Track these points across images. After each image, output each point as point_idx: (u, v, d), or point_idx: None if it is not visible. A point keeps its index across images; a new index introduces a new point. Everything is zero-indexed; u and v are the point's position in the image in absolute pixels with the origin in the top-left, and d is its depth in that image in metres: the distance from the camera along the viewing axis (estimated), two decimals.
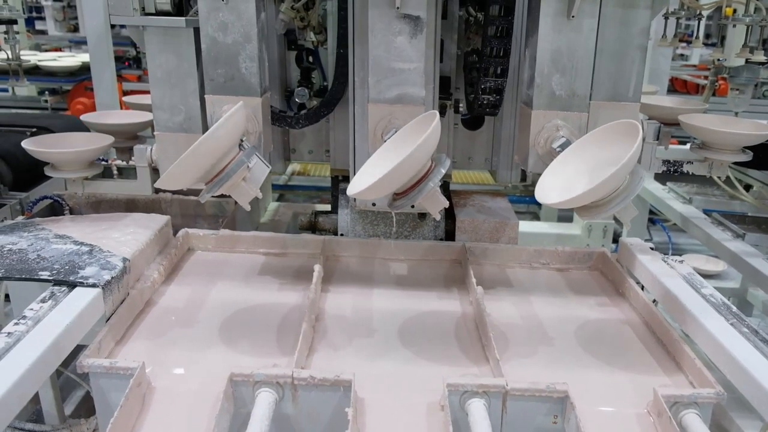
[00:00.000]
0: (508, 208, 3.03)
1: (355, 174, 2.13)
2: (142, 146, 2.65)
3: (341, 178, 3.12)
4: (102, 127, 2.86)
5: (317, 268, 2.34)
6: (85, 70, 6.82)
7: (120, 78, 4.31)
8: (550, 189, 2.01)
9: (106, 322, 1.94)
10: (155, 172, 2.67)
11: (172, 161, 2.33)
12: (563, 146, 2.19)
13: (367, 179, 1.90)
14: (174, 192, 2.94)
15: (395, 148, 2.07)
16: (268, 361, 1.90)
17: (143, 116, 3.19)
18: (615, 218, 4.16)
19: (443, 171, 1.96)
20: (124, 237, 2.34)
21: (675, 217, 3.58)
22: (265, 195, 3.70)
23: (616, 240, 3.54)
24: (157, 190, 2.80)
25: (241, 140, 2.10)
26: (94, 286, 1.95)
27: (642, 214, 4.15)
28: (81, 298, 1.90)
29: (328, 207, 3.31)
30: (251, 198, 2.03)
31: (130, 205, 2.87)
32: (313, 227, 3.07)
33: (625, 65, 2.24)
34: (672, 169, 2.57)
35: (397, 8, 2.16)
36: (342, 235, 2.94)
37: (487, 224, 2.87)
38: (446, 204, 2.02)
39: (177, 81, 2.34)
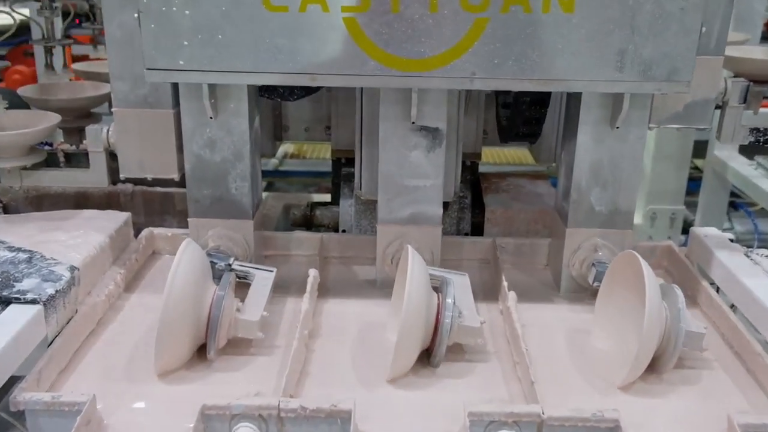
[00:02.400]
0: (551, 194, 3.03)
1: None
2: (97, 126, 2.66)
3: (344, 161, 3.14)
4: (45, 103, 2.89)
5: (312, 273, 2.35)
6: (23, 30, 6.79)
7: (69, 39, 4.32)
8: (609, 357, 2.07)
9: (48, 346, 1.94)
10: (113, 158, 2.69)
11: (135, 145, 2.38)
12: (599, 278, 2.27)
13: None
14: (135, 182, 2.96)
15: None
16: (249, 388, 1.90)
17: (98, 88, 3.22)
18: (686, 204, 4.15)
19: (451, 302, 2.03)
20: (73, 240, 2.35)
21: (763, 199, 3.54)
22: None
23: (686, 230, 3.51)
24: (114, 181, 2.82)
25: (229, 265, 2.23)
26: (33, 302, 1.95)
27: (721, 197, 4.12)
28: (16, 317, 1.90)
29: (327, 197, 3.33)
30: (258, 327, 2.08)
31: (81, 201, 2.89)
32: (308, 222, 3.11)
33: (706, 9, 2.21)
34: (762, 140, 2.54)
35: (413, 122, 2.26)
36: (344, 231, 2.96)
37: (524, 215, 2.87)
38: (480, 334, 2.08)
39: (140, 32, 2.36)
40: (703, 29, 2.05)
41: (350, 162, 3.01)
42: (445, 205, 2.83)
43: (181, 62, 2.07)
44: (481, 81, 2.06)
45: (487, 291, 2.48)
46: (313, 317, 2.26)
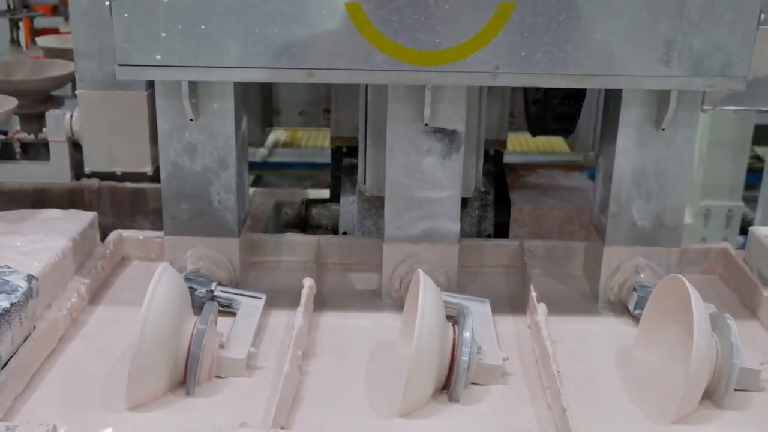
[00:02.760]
0: (589, 189, 3.03)
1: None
2: (58, 112, 2.66)
3: (346, 150, 3.15)
4: (4, 85, 2.86)
5: (308, 282, 2.34)
6: None
7: (28, 10, 4.29)
8: (653, 384, 2.05)
9: (2, 368, 1.94)
10: (77, 149, 2.67)
11: (103, 134, 2.39)
12: (640, 304, 2.26)
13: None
14: (103, 177, 2.96)
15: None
16: (234, 417, 1.89)
17: (60, 67, 3.20)
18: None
19: (469, 336, 2.01)
20: (31, 245, 2.34)
21: None
22: None
23: (744, 230, 3.47)
24: (78, 176, 2.79)
25: (210, 291, 2.25)
26: None
27: None
28: None
29: (325, 193, 3.34)
30: (244, 366, 2.08)
31: (41, 198, 2.91)
32: (303, 223, 3.14)
33: None
34: None
35: (426, 124, 2.26)
36: (345, 233, 2.96)
37: (557, 213, 2.91)
38: (502, 374, 2.08)
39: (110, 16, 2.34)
40: (762, 16, 2.03)
41: (353, 151, 3.01)
42: (464, 202, 2.78)
43: (159, 57, 2.08)
44: (505, 76, 2.06)
45: (513, 302, 2.48)
46: (309, 334, 2.25)
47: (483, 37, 2.02)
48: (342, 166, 3.08)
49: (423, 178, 2.34)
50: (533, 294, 2.32)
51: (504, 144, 3.10)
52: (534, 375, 2.11)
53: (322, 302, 2.43)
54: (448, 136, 2.30)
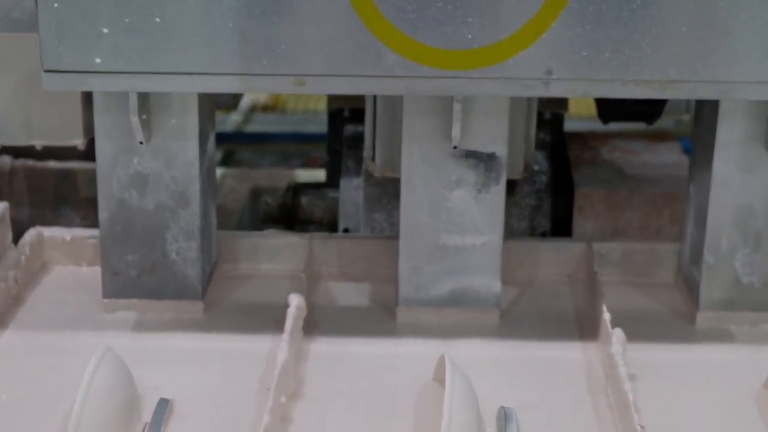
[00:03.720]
0: (682, 165, 3.03)
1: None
2: None
3: (348, 115, 3.17)
4: None
5: (295, 301, 2.36)
6: None
7: None
8: None
9: None
10: None
11: (18, 95, 2.43)
12: None
13: None
14: (16, 153, 2.98)
15: None
16: None
17: None
18: None
19: None
20: None
21: None
22: None
23: None
24: None
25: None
26: None
27: None
28: None
29: (320, 175, 3.31)
30: None
31: None
32: (289, 216, 3.18)
33: None
34: None
35: (455, 147, 2.28)
36: (347, 230, 3.00)
37: (638, 200, 2.91)
38: None
39: None
40: None
41: (357, 116, 3.04)
42: (511, 187, 2.83)
43: (99, 60, 2.09)
44: (561, 84, 2.08)
45: (579, 323, 2.49)
46: (295, 369, 2.25)
47: (530, 32, 2.04)
48: (342, 136, 3.10)
49: (451, 219, 2.37)
50: (606, 316, 2.32)
51: (565, 105, 3.12)
52: (607, 423, 2.11)
53: (314, 324, 2.45)
54: (484, 162, 2.32)
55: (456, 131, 2.24)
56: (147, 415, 2.05)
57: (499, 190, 2.35)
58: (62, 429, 1.94)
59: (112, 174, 2.35)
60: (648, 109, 2.79)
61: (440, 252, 2.39)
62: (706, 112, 2.35)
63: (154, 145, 2.32)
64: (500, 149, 2.32)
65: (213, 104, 2.49)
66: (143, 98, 2.23)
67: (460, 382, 2.01)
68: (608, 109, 2.89)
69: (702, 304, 2.42)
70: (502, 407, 2.11)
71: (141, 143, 2.29)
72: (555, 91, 2.08)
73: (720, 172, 2.31)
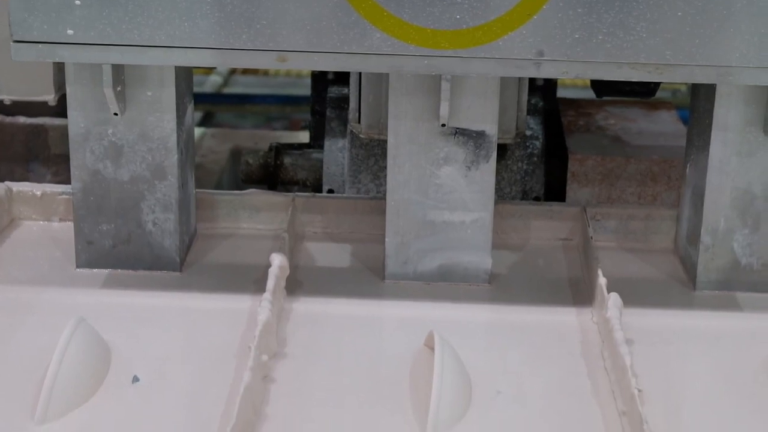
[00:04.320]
0: (680, 134, 3.04)
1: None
2: None
3: (332, 77, 3.17)
4: None
5: (277, 260, 2.32)
6: None
7: None
8: None
9: None
10: None
11: None
12: None
13: None
14: None
15: None
16: None
17: None
18: None
19: None
20: None
21: None
22: None
23: None
24: None
25: None
26: None
27: None
28: None
29: (303, 136, 3.32)
30: None
31: None
32: (271, 177, 3.18)
33: None
34: None
35: (443, 125, 2.27)
36: (331, 191, 2.99)
37: (634, 166, 2.90)
38: None
39: None
40: None
41: (342, 77, 3.03)
42: (503, 151, 2.83)
43: (71, 31, 2.07)
44: (552, 65, 2.08)
45: (574, 289, 2.47)
46: (278, 329, 2.22)
47: (522, 12, 2.03)
48: (327, 98, 3.09)
49: (440, 196, 2.36)
50: (601, 281, 2.29)
51: None
52: (605, 393, 2.07)
53: (296, 285, 2.42)
54: (473, 140, 2.31)
55: (444, 110, 2.24)
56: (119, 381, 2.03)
57: (489, 168, 2.34)
58: (32, 392, 1.91)
59: (85, 145, 2.34)
60: (644, 87, 2.77)
61: (428, 228, 2.39)
62: (702, 95, 2.36)
63: (130, 117, 2.31)
64: (490, 128, 2.31)
65: (191, 76, 2.47)
66: (118, 70, 2.22)
67: (450, 358, 2.00)
68: (602, 83, 2.88)
69: (699, 285, 2.42)
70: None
71: (116, 115, 2.28)
72: (547, 72, 2.08)
73: (717, 155, 2.32)
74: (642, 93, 2.82)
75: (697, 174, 2.40)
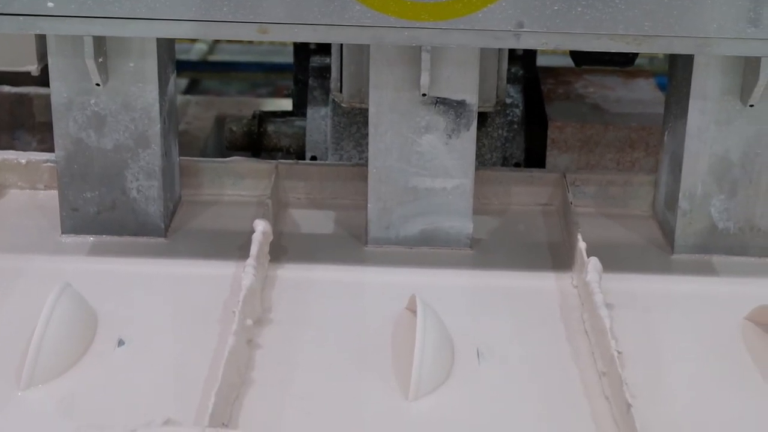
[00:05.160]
0: (657, 101, 3.05)
1: None
2: None
3: (314, 46, 3.16)
4: None
5: (261, 226, 2.31)
6: None
7: None
8: None
9: None
10: None
11: None
12: None
13: None
14: None
15: None
16: (156, 409, 1.85)
17: None
18: None
19: None
20: None
21: None
22: None
23: None
24: None
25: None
26: None
27: None
28: None
29: (286, 104, 3.32)
30: None
31: None
32: (255, 144, 3.18)
33: None
34: None
35: (423, 94, 2.27)
36: (314, 158, 2.99)
37: (613, 133, 2.91)
38: None
39: None
40: None
41: (324, 47, 3.02)
42: (483, 118, 2.84)
43: (51, 4, 2.06)
44: (532, 36, 2.07)
45: (554, 253, 2.47)
46: (262, 295, 2.22)
47: None
48: (309, 67, 3.08)
49: (421, 163, 2.36)
50: (581, 245, 2.30)
51: None
52: (585, 355, 2.08)
53: (281, 251, 2.43)
54: (454, 108, 2.32)
55: (425, 80, 2.24)
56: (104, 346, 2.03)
57: (470, 136, 2.35)
58: (18, 358, 1.92)
59: (68, 114, 2.34)
60: (622, 56, 2.78)
61: (410, 194, 2.40)
62: (680, 65, 2.37)
63: (112, 87, 2.31)
64: (470, 97, 2.32)
65: (173, 47, 2.47)
66: (99, 41, 2.22)
67: (434, 322, 2.01)
68: (582, 52, 2.89)
69: (677, 249, 2.43)
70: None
71: (98, 85, 2.28)
72: (526, 43, 2.09)
73: (695, 123, 2.33)
74: (621, 62, 2.83)
75: (675, 141, 2.41)
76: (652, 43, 2.08)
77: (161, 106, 2.35)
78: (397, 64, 2.29)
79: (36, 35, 2.43)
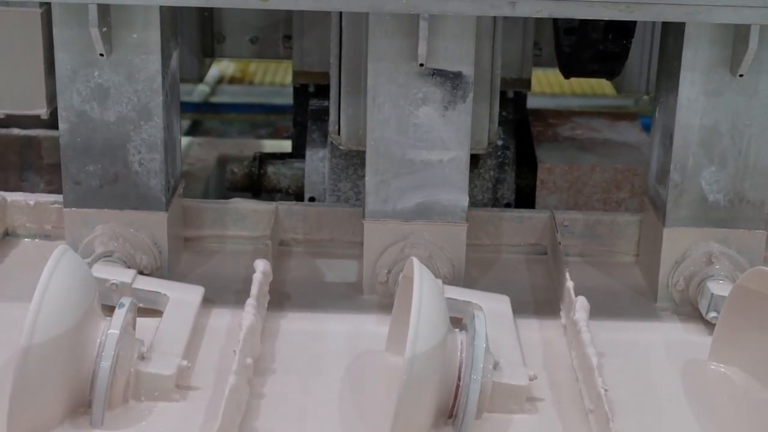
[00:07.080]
0: (642, 143, 3.07)
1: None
2: None
3: (313, 90, 3.15)
4: None
5: (261, 266, 2.31)
6: None
7: None
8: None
9: None
10: None
11: None
12: (715, 306, 2.26)
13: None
14: None
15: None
16: None
17: None
18: None
19: (481, 348, 1.94)
20: None
21: None
22: None
23: None
24: None
25: (127, 284, 2.20)
26: None
27: None
28: None
29: (286, 145, 3.33)
30: (173, 384, 2.02)
31: None
32: (255, 185, 3.15)
33: None
34: None
35: (421, 64, 2.27)
36: (313, 199, 2.97)
37: (599, 174, 2.90)
38: (526, 396, 2.03)
39: None
40: None
41: (322, 91, 2.99)
42: (475, 161, 2.82)
43: None
44: (527, 4, 2.06)
45: (540, 297, 2.47)
46: (264, 340, 2.21)
47: None
48: (308, 110, 3.08)
49: (418, 135, 2.35)
50: (569, 285, 2.29)
51: (528, 84, 3.11)
52: (570, 397, 2.07)
53: (281, 296, 2.42)
54: (450, 80, 2.30)
55: (422, 49, 2.23)
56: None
57: (466, 108, 2.34)
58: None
59: (72, 86, 2.32)
60: (608, 66, 2.80)
61: (407, 166, 2.38)
62: (671, 38, 2.36)
63: (116, 58, 2.29)
64: (467, 69, 2.31)
65: (176, 20, 2.46)
66: (104, 10, 2.20)
67: (430, 281, 1.98)
68: (569, 65, 2.91)
69: (668, 222, 2.40)
70: (471, 306, 2.15)
71: (102, 56, 2.26)
72: (521, 11, 2.08)
73: (686, 94, 2.31)
74: (606, 74, 2.84)
75: (666, 115, 2.40)
76: (643, 11, 2.08)
77: (164, 78, 2.34)
78: (395, 37, 2.28)
79: (47, 81, 2.40)
